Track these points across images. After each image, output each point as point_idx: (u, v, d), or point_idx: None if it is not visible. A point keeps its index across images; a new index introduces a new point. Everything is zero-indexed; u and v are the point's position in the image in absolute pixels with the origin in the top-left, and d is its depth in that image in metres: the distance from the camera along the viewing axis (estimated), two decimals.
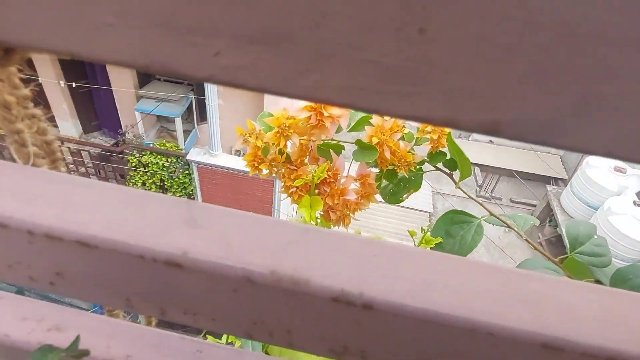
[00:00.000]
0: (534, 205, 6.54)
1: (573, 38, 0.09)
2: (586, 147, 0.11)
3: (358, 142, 0.53)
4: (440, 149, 0.54)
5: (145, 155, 4.81)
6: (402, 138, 0.53)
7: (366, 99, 0.11)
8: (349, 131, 0.53)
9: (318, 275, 0.18)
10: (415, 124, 0.53)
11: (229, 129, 4.52)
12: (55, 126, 5.36)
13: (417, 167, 0.56)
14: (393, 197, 0.61)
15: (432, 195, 5.97)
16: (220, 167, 4.65)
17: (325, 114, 0.47)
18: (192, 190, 4.84)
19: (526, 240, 0.61)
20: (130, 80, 5.03)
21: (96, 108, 5.45)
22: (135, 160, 4.76)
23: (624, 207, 4.80)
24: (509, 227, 0.59)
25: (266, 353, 0.47)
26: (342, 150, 0.55)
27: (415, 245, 0.55)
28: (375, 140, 0.51)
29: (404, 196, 0.62)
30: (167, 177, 4.78)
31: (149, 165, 4.76)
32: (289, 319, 0.19)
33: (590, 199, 5.38)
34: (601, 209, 5.05)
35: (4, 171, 0.21)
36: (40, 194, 0.20)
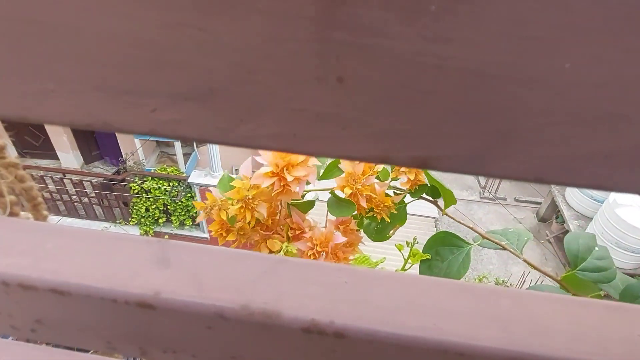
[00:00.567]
0: (539, 203, 6.50)
1: (482, 80, 0.10)
2: (515, 175, 0.11)
3: (332, 194, 0.50)
4: (419, 183, 0.52)
5: (147, 181, 4.83)
6: (378, 177, 0.50)
7: (300, 143, 0.11)
8: (319, 179, 0.49)
9: (288, 307, 0.18)
10: None
11: (228, 149, 4.55)
12: (57, 159, 5.41)
13: (398, 205, 0.53)
14: (379, 235, 0.58)
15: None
16: None
17: (289, 178, 0.43)
18: (195, 212, 4.85)
19: (524, 260, 0.59)
20: None
21: (96, 138, 5.50)
22: (137, 186, 4.78)
23: (629, 199, 4.77)
24: (504, 248, 0.57)
25: None
26: (315, 200, 0.53)
27: (404, 258, 0.54)
28: (348, 191, 0.47)
29: (391, 232, 0.58)
30: (170, 201, 4.80)
31: (152, 190, 4.78)
32: (264, 352, 0.20)
33: (595, 193, 5.35)
34: (607, 201, 5.02)
35: None
36: (13, 245, 0.20)
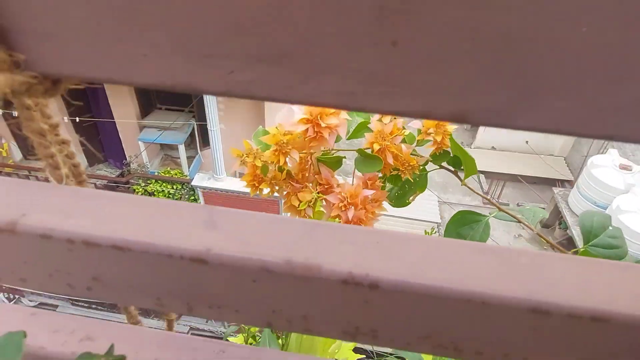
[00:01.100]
0: (542, 209, 6.50)
1: (511, 42, 0.12)
2: (539, 126, 0.13)
3: (360, 152, 0.52)
4: (444, 149, 0.53)
5: (150, 183, 4.86)
6: (404, 141, 0.52)
7: (356, 100, 0.14)
8: (348, 139, 0.52)
9: (328, 261, 0.20)
10: (415, 126, 0.53)
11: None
12: None
13: (421, 167, 0.55)
14: (399, 200, 0.59)
15: (439, 205, 5.97)
16: (226, 191, 4.69)
17: (323, 124, 0.45)
18: None
19: (538, 234, 0.61)
20: (132, 111, 5.12)
21: (101, 140, 5.54)
22: (141, 189, 4.81)
23: (633, 205, 4.78)
24: (519, 221, 0.59)
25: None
26: (344, 159, 0.55)
27: None
28: (376, 146, 0.50)
29: (410, 198, 0.61)
30: None
31: (155, 193, 4.81)
32: (304, 305, 0.22)
33: (598, 199, 5.36)
34: (610, 208, 5.02)
35: (43, 190, 0.24)
36: (76, 208, 0.22)
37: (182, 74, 0.14)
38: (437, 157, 0.54)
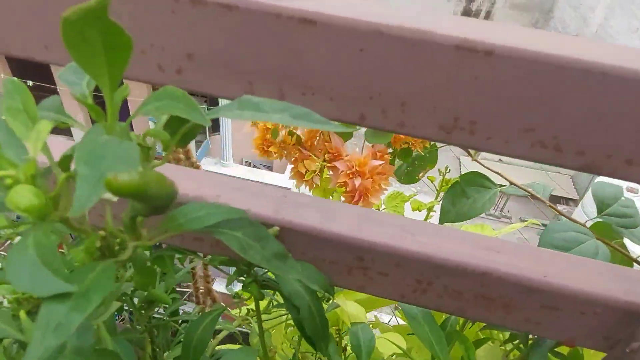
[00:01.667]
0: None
1: None
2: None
3: None
4: None
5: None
6: None
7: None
8: None
9: (441, 26, 0.20)
10: None
11: (241, 140, 4.58)
12: (71, 136, 5.45)
13: (432, 142, 0.54)
14: (408, 177, 0.60)
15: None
16: (231, 177, 4.69)
17: None
18: None
19: (550, 206, 0.61)
20: (145, 91, 5.13)
21: None
22: None
23: None
24: (530, 194, 0.59)
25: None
26: (354, 130, 0.54)
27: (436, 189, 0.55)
28: None
29: (420, 175, 0.60)
30: None
31: None
32: (409, 82, 0.21)
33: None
34: None
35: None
36: None
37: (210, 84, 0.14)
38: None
